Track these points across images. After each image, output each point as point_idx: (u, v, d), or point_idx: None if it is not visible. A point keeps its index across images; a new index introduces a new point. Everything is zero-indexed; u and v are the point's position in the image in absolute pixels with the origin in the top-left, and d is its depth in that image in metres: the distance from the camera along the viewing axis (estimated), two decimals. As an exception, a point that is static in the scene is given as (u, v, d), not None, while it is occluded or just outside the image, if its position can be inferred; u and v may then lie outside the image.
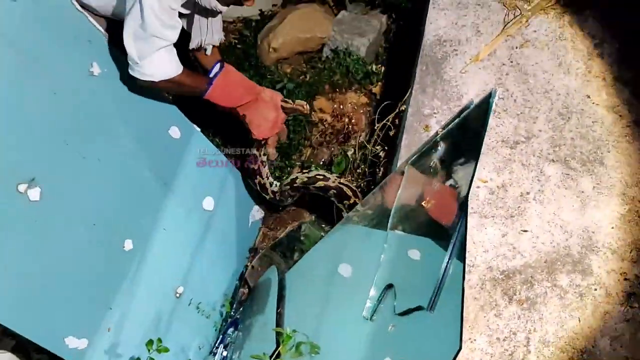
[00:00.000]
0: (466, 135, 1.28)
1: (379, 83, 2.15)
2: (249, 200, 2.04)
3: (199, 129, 1.93)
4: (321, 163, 2.05)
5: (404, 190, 1.38)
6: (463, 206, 1.18)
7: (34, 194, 1.44)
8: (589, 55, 1.63)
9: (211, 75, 1.62)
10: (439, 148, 1.33)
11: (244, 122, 1.69)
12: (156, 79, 1.44)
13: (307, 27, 2.34)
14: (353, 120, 2.08)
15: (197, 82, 1.57)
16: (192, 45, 1.62)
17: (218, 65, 1.64)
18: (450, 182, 1.27)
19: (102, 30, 1.69)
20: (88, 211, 1.56)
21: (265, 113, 1.69)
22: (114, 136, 1.66)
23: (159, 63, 1.43)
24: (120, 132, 1.71)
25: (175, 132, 1.89)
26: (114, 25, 1.61)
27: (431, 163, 1.32)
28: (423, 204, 1.30)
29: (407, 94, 1.59)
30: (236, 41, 2.44)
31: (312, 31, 2.34)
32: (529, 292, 1.29)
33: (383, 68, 2.23)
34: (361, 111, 2.12)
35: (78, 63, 1.60)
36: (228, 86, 1.63)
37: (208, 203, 1.93)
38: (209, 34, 1.63)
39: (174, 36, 1.40)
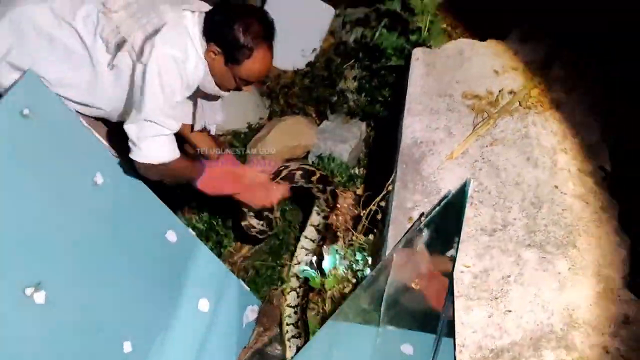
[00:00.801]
0: (447, 221, 1.49)
1: (362, 185, 2.40)
2: (243, 302, 2.18)
3: (194, 233, 2.12)
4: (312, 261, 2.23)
5: (392, 279, 1.56)
6: (449, 286, 1.36)
7: (40, 297, 1.61)
8: (553, 150, 1.90)
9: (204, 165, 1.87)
10: (423, 234, 1.53)
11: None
12: (154, 162, 1.66)
13: (292, 136, 2.64)
14: (340, 220, 2.28)
15: (190, 171, 1.81)
16: (197, 127, 1.89)
17: (205, 163, 1.90)
18: (435, 265, 1.46)
19: (105, 143, 1.93)
20: (89, 314, 1.72)
21: (256, 194, 1.97)
22: (114, 241, 1.85)
23: (157, 147, 1.66)
24: (121, 238, 1.91)
25: (171, 235, 2.08)
26: (116, 133, 1.86)
27: (417, 249, 1.51)
28: (412, 288, 1.47)
29: (389, 182, 1.82)
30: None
31: (298, 140, 2.63)
32: (517, 369, 1.42)
33: (365, 171, 2.49)
34: (346, 212, 2.34)
35: (83, 173, 1.83)
36: (216, 180, 1.88)
37: (203, 305, 2.07)
38: (211, 115, 1.90)
39: (176, 126, 1.66)
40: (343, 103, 2.77)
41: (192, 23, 1.64)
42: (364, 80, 2.65)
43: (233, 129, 2.79)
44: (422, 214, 1.67)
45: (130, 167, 1.83)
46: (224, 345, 2.15)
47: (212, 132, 2.00)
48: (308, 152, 2.67)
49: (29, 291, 1.59)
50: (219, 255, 2.33)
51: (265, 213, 2.12)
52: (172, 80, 1.60)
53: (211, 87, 1.74)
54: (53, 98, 1.77)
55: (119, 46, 1.64)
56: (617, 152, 2.00)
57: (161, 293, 2.02)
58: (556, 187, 1.82)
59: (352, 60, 2.84)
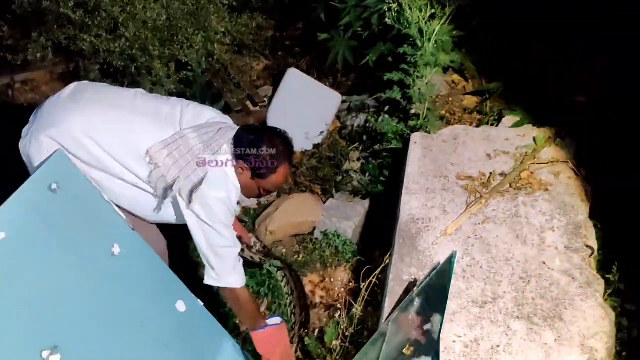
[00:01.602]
0: (436, 290, 1.65)
1: (356, 258, 2.57)
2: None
3: (202, 304, 2.27)
4: (314, 333, 2.35)
5: (387, 346, 1.70)
6: (436, 346, 1.50)
7: None
8: (541, 229, 2.08)
9: (269, 322, 2.06)
10: (415, 303, 1.69)
11: None
12: (235, 286, 1.94)
13: (300, 212, 2.84)
14: (342, 294, 2.43)
15: (255, 314, 2.05)
16: None
17: (279, 320, 2.08)
18: (426, 329, 1.61)
19: (123, 216, 2.14)
20: None
21: None
22: (127, 308, 2.01)
23: (236, 273, 1.94)
24: (133, 305, 2.06)
25: (181, 305, 2.23)
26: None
27: (410, 316, 1.66)
28: (404, 354, 1.61)
29: (387, 256, 1.99)
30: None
31: (305, 216, 2.83)
32: None
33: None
34: (349, 287, 2.49)
35: (102, 244, 2.02)
36: (272, 340, 2.05)
37: None
38: None
39: (239, 248, 1.93)
40: (347, 182, 2.98)
41: (229, 158, 1.88)
42: (367, 161, 2.88)
43: (244, 206, 2.99)
44: (415, 280, 1.83)
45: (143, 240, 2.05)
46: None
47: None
48: (314, 229, 2.85)
49: (45, 354, 1.74)
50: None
51: None
52: (224, 215, 1.86)
53: (240, 197, 1.98)
54: (79, 174, 1.98)
55: (166, 190, 1.89)
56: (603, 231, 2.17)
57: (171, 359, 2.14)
58: (544, 263, 1.97)
59: (357, 143, 3.09)
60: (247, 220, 2.92)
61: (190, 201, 1.82)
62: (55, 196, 1.86)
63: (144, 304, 2.12)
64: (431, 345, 1.54)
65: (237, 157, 1.88)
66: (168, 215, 1.97)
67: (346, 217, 2.84)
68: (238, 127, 1.94)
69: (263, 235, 2.82)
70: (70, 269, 1.90)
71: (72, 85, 1.97)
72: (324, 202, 2.96)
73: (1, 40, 3.21)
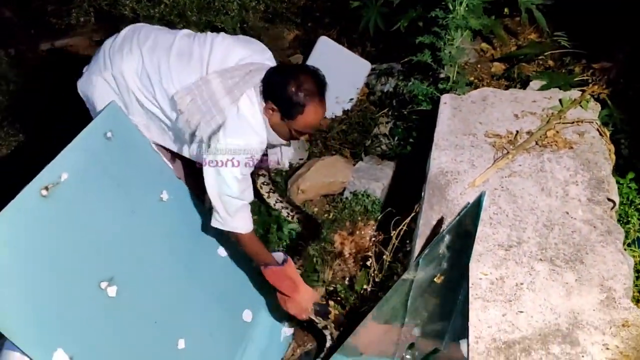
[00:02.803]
0: (465, 227, 1.82)
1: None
2: (282, 316, 2.48)
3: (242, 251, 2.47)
4: (344, 280, 2.54)
5: (418, 278, 1.87)
6: (466, 272, 1.67)
7: (112, 291, 1.99)
8: (565, 182, 2.23)
9: (279, 260, 2.21)
10: (445, 239, 1.86)
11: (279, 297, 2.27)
12: (239, 232, 2.08)
13: (330, 173, 3.01)
14: (371, 246, 2.61)
15: (261, 254, 2.19)
16: (271, 165, 2.33)
17: (282, 256, 2.24)
18: (454, 265, 1.78)
19: (170, 166, 2.34)
20: (151, 310, 2.08)
21: (294, 305, 2.25)
22: (174, 250, 2.23)
23: (240, 219, 2.06)
24: (179, 247, 2.28)
25: (222, 251, 2.44)
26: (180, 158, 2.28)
27: (440, 251, 1.84)
28: (435, 282, 1.79)
29: (417, 205, 2.16)
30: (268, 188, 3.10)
31: (335, 176, 3.00)
32: (527, 358, 1.70)
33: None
34: (379, 239, 2.67)
35: (152, 189, 2.23)
36: (281, 275, 2.20)
37: (247, 315, 2.39)
38: (284, 153, 2.27)
39: (251, 196, 2.07)
40: (376, 146, 3.15)
41: (249, 104, 1.98)
42: (395, 125, 3.04)
43: (276, 167, 3.18)
44: (442, 218, 2.00)
45: (190, 188, 2.25)
46: (263, 353, 2.44)
47: (286, 166, 2.40)
48: (344, 189, 3.03)
49: (103, 285, 1.96)
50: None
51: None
52: (239, 163, 1.97)
53: (275, 138, 2.08)
54: (130, 125, 2.18)
55: (191, 136, 2.08)
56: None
57: (211, 301, 2.36)
58: (567, 212, 2.13)
59: (386, 109, 3.25)
60: (280, 180, 3.11)
61: (208, 146, 1.95)
62: (110, 143, 2.07)
63: (188, 246, 2.33)
64: (461, 273, 1.71)
65: (266, 97, 1.97)
66: (198, 155, 2.15)
67: (375, 179, 3.01)
68: (268, 68, 2.01)
69: (295, 194, 3.00)
70: (124, 211, 2.11)
71: (127, 28, 2.16)
72: (354, 165, 3.13)
73: (45, 4, 3.41)
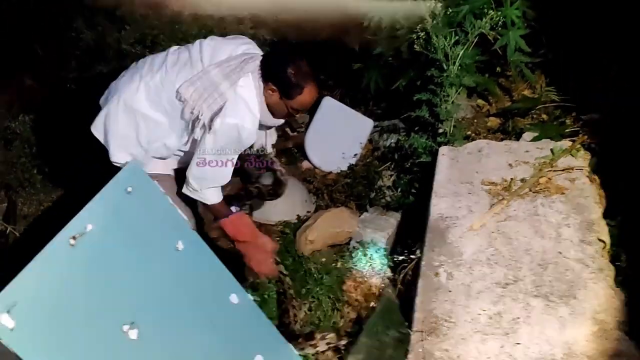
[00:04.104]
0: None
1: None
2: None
3: (252, 298, 2.65)
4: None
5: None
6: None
7: (133, 334, 2.17)
8: (558, 225, 2.44)
9: (233, 210, 2.49)
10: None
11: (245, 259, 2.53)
12: (209, 203, 2.36)
13: (337, 224, 3.23)
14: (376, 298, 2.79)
15: (222, 211, 2.45)
16: (255, 147, 2.56)
17: (237, 208, 2.52)
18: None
19: (185, 217, 2.56)
20: (169, 352, 2.25)
21: (258, 256, 2.53)
22: (189, 297, 2.41)
23: (212, 193, 2.36)
24: (193, 294, 2.46)
25: (234, 298, 2.62)
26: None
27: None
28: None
29: (417, 247, 2.37)
30: (278, 239, 3.31)
31: (341, 227, 3.21)
32: (524, 386, 1.86)
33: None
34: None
35: (168, 240, 2.43)
36: (240, 222, 2.48)
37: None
38: (267, 138, 2.57)
39: (230, 177, 2.36)
40: (380, 198, 3.38)
41: (248, 87, 2.27)
42: (399, 177, 3.28)
43: (285, 220, 3.40)
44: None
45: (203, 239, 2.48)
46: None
47: (270, 151, 2.67)
48: (350, 239, 3.23)
49: (125, 328, 2.15)
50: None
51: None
52: (229, 141, 2.28)
53: (269, 119, 2.39)
54: (149, 181, 2.42)
55: (194, 122, 2.33)
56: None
57: (224, 345, 2.52)
58: (560, 252, 2.32)
59: (389, 162, 3.50)
60: (289, 232, 3.32)
61: (210, 127, 2.22)
62: (130, 197, 2.31)
63: (201, 294, 2.52)
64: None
65: (265, 79, 2.25)
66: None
67: (380, 228, 3.22)
68: (259, 55, 2.32)
69: (303, 245, 3.21)
70: (142, 260, 2.33)
71: (134, 63, 2.49)
72: (359, 216, 3.35)
73: (69, 73, 3.74)
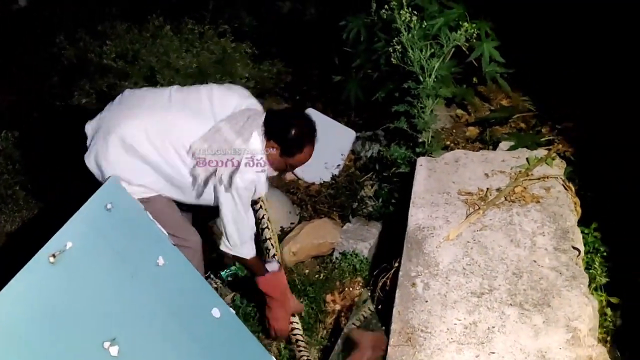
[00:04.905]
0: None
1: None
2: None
3: (234, 312, 2.67)
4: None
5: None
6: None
7: (114, 350, 2.19)
8: (533, 234, 2.48)
9: (269, 269, 2.55)
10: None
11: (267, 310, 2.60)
12: (247, 258, 2.43)
13: (319, 235, 3.26)
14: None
15: (258, 269, 2.54)
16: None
17: (277, 265, 2.58)
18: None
19: (165, 232, 2.58)
20: None
21: (279, 311, 2.60)
22: (171, 311, 2.43)
23: (248, 247, 2.43)
24: (175, 309, 2.48)
25: (216, 312, 2.64)
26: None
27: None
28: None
29: (395, 260, 2.40)
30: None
31: (324, 238, 3.25)
32: (498, 394, 1.89)
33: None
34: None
35: (149, 256, 2.45)
36: (274, 282, 2.56)
37: None
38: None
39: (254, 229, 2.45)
40: (363, 208, 3.41)
41: (257, 142, 2.34)
42: (380, 187, 3.32)
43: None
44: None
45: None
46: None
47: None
48: (333, 250, 3.26)
49: (106, 344, 2.16)
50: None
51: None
52: (249, 196, 2.36)
53: (270, 171, 2.44)
54: (129, 197, 2.44)
55: (208, 178, 2.36)
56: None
57: (207, 359, 2.53)
58: (535, 261, 2.37)
59: (370, 173, 3.54)
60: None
61: (230, 184, 2.29)
62: (110, 214, 2.33)
63: (183, 308, 2.54)
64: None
65: (268, 136, 2.34)
66: (206, 198, 2.45)
67: (362, 239, 3.26)
68: (265, 112, 2.40)
69: (287, 256, 3.23)
70: (123, 276, 2.35)
71: (120, 96, 2.47)
72: (342, 227, 3.38)
73: (51, 88, 3.76)
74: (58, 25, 4.07)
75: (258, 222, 2.76)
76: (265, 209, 2.88)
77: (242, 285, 3.09)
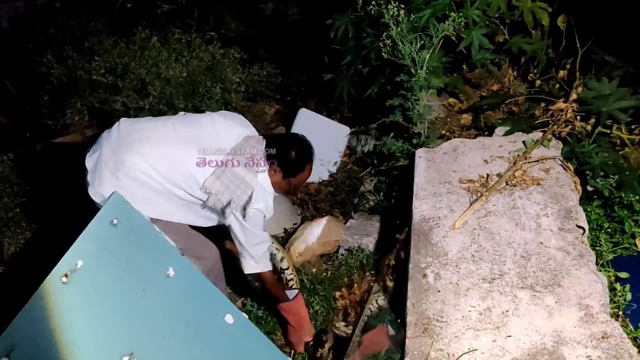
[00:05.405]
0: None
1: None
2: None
3: (246, 316, 2.68)
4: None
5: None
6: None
7: None
8: (537, 216, 2.50)
9: (291, 296, 2.69)
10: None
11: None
12: (262, 271, 2.53)
13: (323, 233, 3.27)
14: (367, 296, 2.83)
15: (279, 291, 2.66)
16: None
17: (296, 292, 2.71)
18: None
19: (173, 244, 2.58)
20: None
21: (299, 338, 2.74)
22: (184, 321, 2.43)
23: (266, 260, 2.53)
24: (188, 318, 2.48)
25: (229, 318, 2.64)
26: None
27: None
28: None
29: (396, 248, 2.41)
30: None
31: (329, 236, 3.25)
32: (519, 377, 1.91)
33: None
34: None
35: (159, 267, 2.45)
36: (293, 310, 2.69)
37: None
38: None
39: (269, 243, 2.54)
40: (364, 203, 3.42)
41: (263, 172, 2.43)
42: (379, 181, 3.33)
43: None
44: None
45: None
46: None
47: None
48: (338, 247, 3.27)
49: (125, 359, 2.16)
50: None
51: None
52: (262, 221, 2.46)
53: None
54: (133, 211, 2.43)
55: (223, 210, 2.42)
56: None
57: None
58: (541, 243, 2.38)
59: (369, 168, 3.55)
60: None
61: (244, 215, 2.38)
62: (117, 229, 2.33)
63: (196, 317, 2.54)
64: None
65: (270, 163, 2.42)
66: (216, 221, 2.52)
67: (366, 234, 3.27)
68: (262, 137, 2.47)
69: (293, 258, 3.24)
70: (135, 289, 2.34)
71: (117, 125, 2.46)
72: (345, 223, 3.39)
73: (42, 108, 3.74)
74: (44, 45, 4.03)
75: (272, 257, 2.84)
76: (275, 244, 3.00)
77: (252, 289, 3.10)
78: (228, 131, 2.44)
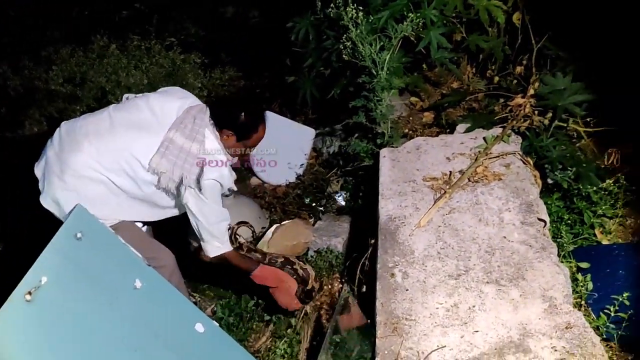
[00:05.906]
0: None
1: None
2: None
3: (217, 324, 2.65)
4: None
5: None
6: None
7: None
8: (499, 211, 2.54)
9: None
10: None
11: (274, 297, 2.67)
12: (227, 251, 2.44)
13: (292, 236, 3.25)
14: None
15: (245, 264, 2.57)
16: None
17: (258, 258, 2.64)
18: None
19: (139, 255, 2.54)
20: None
21: (285, 296, 2.65)
22: (154, 333, 2.39)
23: (227, 239, 2.45)
24: (158, 330, 2.45)
25: (199, 327, 2.62)
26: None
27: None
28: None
29: (368, 252, 2.42)
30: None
31: (297, 238, 3.24)
32: (487, 371, 1.94)
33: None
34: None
35: (125, 280, 2.41)
36: (265, 273, 2.61)
37: None
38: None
39: (228, 220, 2.45)
40: (332, 204, 3.43)
41: (211, 139, 2.35)
42: (346, 182, 3.34)
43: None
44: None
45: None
46: None
47: (235, 189, 2.70)
48: (307, 249, 3.27)
49: None
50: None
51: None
52: (219, 193, 2.38)
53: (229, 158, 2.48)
54: (98, 223, 2.39)
55: (177, 188, 2.36)
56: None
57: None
58: (504, 237, 2.42)
59: (335, 169, 3.55)
60: (245, 250, 3.32)
61: (200, 188, 2.30)
62: (81, 243, 2.28)
63: (166, 328, 2.50)
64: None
65: (220, 127, 2.36)
66: (174, 207, 2.48)
67: (335, 235, 3.27)
68: (207, 106, 2.41)
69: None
70: (102, 303, 2.30)
71: (57, 131, 2.41)
72: (313, 225, 3.39)
73: (0, 120, 3.64)
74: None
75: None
76: None
77: (220, 295, 3.08)
78: (165, 108, 2.37)
